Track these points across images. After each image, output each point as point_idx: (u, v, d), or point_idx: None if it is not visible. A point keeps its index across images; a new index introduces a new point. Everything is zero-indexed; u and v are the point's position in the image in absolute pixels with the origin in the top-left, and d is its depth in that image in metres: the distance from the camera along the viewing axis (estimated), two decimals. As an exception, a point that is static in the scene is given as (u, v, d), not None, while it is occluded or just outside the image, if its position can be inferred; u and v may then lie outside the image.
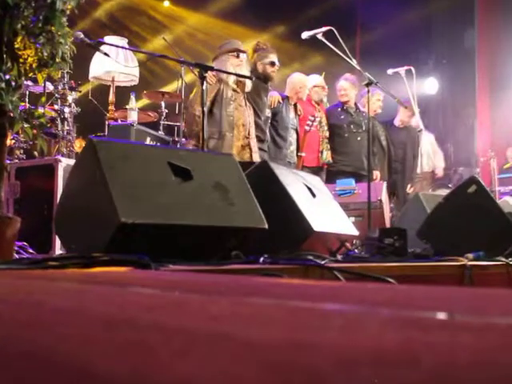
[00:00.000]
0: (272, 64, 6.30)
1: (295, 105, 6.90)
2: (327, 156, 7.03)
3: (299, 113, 6.91)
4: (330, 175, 7.02)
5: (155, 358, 0.48)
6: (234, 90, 5.69)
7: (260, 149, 6.06)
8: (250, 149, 5.67)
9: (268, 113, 6.32)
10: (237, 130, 5.59)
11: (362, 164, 7.20)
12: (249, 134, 5.67)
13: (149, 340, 0.55)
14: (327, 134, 7.13)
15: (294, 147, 6.69)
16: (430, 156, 8.75)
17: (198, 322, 0.67)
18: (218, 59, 5.72)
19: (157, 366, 0.46)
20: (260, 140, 6.10)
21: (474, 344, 0.54)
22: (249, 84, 5.72)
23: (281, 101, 6.61)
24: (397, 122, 8.14)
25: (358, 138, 7.24)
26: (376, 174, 7.34)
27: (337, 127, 7.30)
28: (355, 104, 7.49)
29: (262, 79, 6.24)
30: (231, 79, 5.64)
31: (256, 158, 5.68)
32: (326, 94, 7.35)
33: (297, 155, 6.71)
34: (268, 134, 6.31)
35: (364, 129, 7.18)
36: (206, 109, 4.01)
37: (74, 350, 0.52)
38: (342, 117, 7.37)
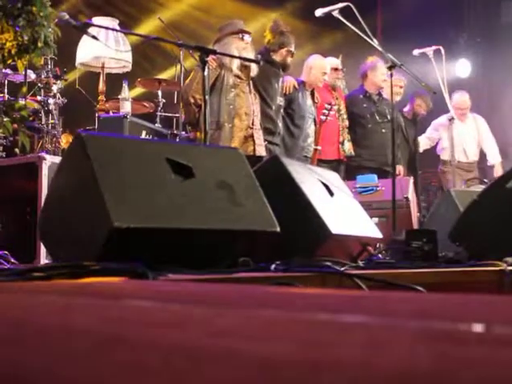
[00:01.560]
0: (292, 54, 6.34)
1: (312, 91, 6.90)
2: (349, 147, 7.02)
3: (316, 100, 6.90)
4: (351, 170, 7.01)
5: (153, 381, 0.48)
6: (237, 76, 5.69)
7: (271, 142, 6.06)
8: (254, 141, 5.66)
9: (280, 101, 6.31)
10: (238, 120, 5.59)
11: (386, 159, 7.19)
12: (253, 124, 5.67)
13: (145, 360, 0.55)
14: (347, 122, 7.12)
15: (311, 140, 6.68)
16: (477, 144, 8.59)
17: (202, 338, 0.67)
18: (221, 42, 5.73)
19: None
20: (271, 132, 6.10)
21: (516, 360, 0.53)
22: (254, 68, 5.74)
23: (297, 86, 6.61)
24: (408, 113, 8.12)
25: (383, 130, 7.21)
26: (399, 168, 7.31)
27: (359, 117, 7.28)
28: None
29: (275, 65, 6.25)
30: (235, 64, 5.65)
31: (260, 152, 5.69)
32: (340, 78, 7.31)
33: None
34: (280, 125, 6.31)
35: (389, 119, 7.17)
36: (207, 97, 4.00)
37: (61, 372, 0.52)
38: (365, 105, 7.36)
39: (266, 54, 6.20)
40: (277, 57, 6.29)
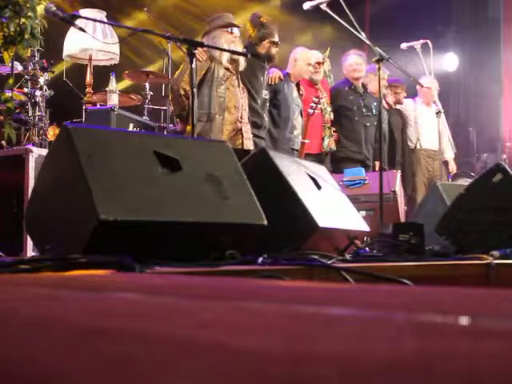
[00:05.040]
0: (276, 44, 6.33)
1: (298, 84, 6.90)
2: (329, 143, 7.02)
3: (301, 92, 6.90)
4: (337, 161, 7.04)
5: (138, 373, 0.48)
6: (227, 69, 5.68)
7: (257, 136, 6.07)
8: (242, 134, 5.67)
9: (266, 94, 6.31)
10: (228, 113, 5.59)
11: (368, 153, 7.23)
12: (241, 118, 5.67)
13: (130, 352, 0.55)
14: (332, 116, 7.12)
15: (298, 132, 6.68)
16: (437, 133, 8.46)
17: (188, 330, 0.67)
18: (210, 35, 5.72)
19: (140, 382, 0.46)
20: (257, 126, 6.11)
21: (499, 352, 0.54)
22: (243, 63, 5.73)
23: (282, 78, 6.61)
24: (390, 101, 8.09)
25: (367, 124, 7.24)
26: (378, 164, 7.31)
27: (346, 109, 7.29)
28: (363, 84, 7.50)
29: (260, 58, 6.24)
30: (225, 57, 5.63)
31: (248, 145, 5.69)
32: (318, 72, 7.25)
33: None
34: (266, 118, 6.31)
35: (374, 113, 7.19)
36: (195, 90, 4.00)
37: (47, 365, 0.52)
38: (352, 97, 7.37)
39: (251, 48, 6.18)
40: (260, 49, 6.28)
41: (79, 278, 1.67)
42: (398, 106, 8.15)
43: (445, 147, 8.43)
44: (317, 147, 6.96)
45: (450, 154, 8.51)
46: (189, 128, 5.38)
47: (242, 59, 5.68)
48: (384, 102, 7.99)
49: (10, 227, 4.04)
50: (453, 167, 8.39)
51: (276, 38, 6.32)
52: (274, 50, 6.32)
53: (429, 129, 7.90)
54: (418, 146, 8.06)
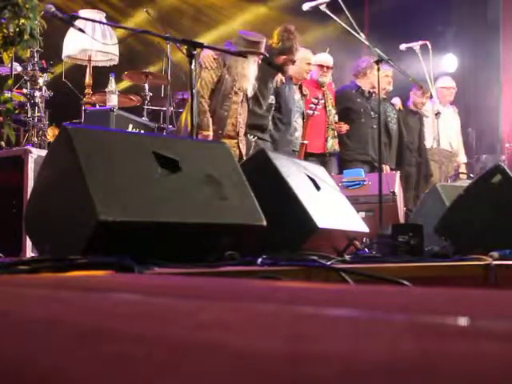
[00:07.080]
0: (293, 62, 6.34)
1: (300, 86, 6.89)
2: (333, 144, 7.03)
3: (305, 93, 6.90)
4: (344, 163, 7.05)
5: (137, 373, 0.48)
6: (238, 89, 5.64)
7: (261, 138, 6.08)
8: (240, 150, 5.66)
9: (271, 100, 6.31)
10: (226, 128, 5.58)
11: (376, 154, 7.22)
12: (238, 135, 5.67)
13: (130, 352, 0.55)
14: (336, 118, 7.12)
15: (299, 133, 6.68)
16: (456, 135, 8.57)
17: (187, 330, 0.67)
18: (238, 49, 5.60)
19: (139, 382, 0.45)
20: (261, 129, 6.13)
21: (499, 353, 0.54)
22: (255, 84, 5.73)
23: (284, 81, 6.60)
24: (410, 105, 8.17)
25: (374, 126, 7.22)
26: (386, 168, 7.30)
27: (353, 111, 7.30)
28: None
29: (273, 67, 6.23)
30: (249, 88, 5.65)
31: None
32: (326, 75, 7.23)
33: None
34: (270, 122, 6.32)
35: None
36: (194, 91, 3.98)
37: (47, 365, 0.52)
38: (359, 100, 7.39)
39: (269, 56, 6.15)
40: (276, 60, 6.24)
41: (78, 278, 1.67)
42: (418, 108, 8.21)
43: (459, 150, 8.52)
44: (320, 147, 6.96)
45: (463, 157, 8.58)
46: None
47: (253, 82, 5.68)
48: (400, 104, 8.04)
49: (9, 228, 4.04)
50: (463, 171, 8.46)
51: (295, 57, 6.30)
52: (288, 67, 6.32)
53: (445, 129, 7.95)
54: (435, 146, 8.09)
